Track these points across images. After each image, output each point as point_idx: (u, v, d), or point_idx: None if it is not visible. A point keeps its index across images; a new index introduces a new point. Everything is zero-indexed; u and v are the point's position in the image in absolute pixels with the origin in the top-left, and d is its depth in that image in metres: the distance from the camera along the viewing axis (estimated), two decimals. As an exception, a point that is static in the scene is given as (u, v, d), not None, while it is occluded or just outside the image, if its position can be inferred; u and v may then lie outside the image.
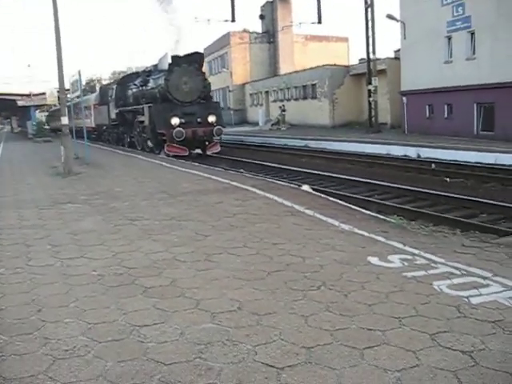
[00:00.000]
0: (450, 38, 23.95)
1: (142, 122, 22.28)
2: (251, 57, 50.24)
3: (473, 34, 22.54)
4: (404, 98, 26.37)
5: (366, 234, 6.76)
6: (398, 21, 26.31)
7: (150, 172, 14.31)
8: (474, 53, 22.60)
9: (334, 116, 35.33)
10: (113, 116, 27.09)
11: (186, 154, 19.98)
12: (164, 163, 16.49)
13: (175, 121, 19.76)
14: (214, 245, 6.20)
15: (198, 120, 20.62)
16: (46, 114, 65.34)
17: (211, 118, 20.76)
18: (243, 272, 5.17)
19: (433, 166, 16.32)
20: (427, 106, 25.46)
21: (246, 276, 5.04)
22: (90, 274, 5.13)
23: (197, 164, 16.58)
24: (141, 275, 5.07)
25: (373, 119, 28.62)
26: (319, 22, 26.71)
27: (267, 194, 9.70)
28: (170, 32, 23.16)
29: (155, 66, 25.00)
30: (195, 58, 21.30)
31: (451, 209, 10.13)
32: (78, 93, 17.44)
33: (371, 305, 4.26)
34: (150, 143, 22.16)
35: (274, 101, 44.37)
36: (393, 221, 8.04)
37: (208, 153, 21.24)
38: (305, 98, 39.12)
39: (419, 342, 3.57)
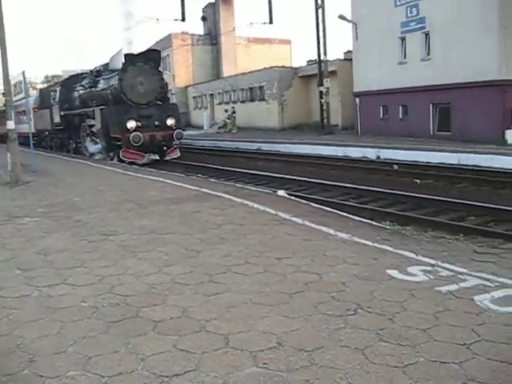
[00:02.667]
0: (403, 39, 23.93)
1: (92, 125, 20.49)
2: (194, 59, 49.25)
3: (427, 34, 22.58)
4: (357, 99, 26.23)
5: (369, 243, 6.29)
6: (349, 21, 26.16)
7: (106, 179, 13.30)
8: (428, 54, 22.64)
9: (283, 118, 34.92)
10: (56, 120, 25.02)
11: (144, 160, 18.68)
12: (118, 169, 15.47)
13: (131, 124, 18.20)
14: (211, 262, 5.46)
15: (156, 123, 19.06)
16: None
17: (170, 121, 19.25)
18: (260, 295, 4.47)
19: (395, 167, 16.05)
20: (381, 107, 25.37)
21: (266, 300, 4.34)
22: (80, 306, 4.27)
23: (153, 170, 15.65)
24: (142, 305, 4.26)
25: (325, 121, 28.31)
26: (270, 22, 26.20)
27: (245, 201, 9.01)
28: (122, 31, 21.45)
29: (105, 65, 22.92)
30: (151, 56, 19.80)
31: (437, 212, 9.76)
32: (21, 95, 16.08)
33: (426, 329, 3.74)
34: (94, 148, 20.69)
35: (219, 103, 43.62)
36: (387, 227, 7.62)
37: (167, 158, 19.82)
38: (252, 100, 38.56)
39: (504, 374, 3.07)
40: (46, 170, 15.73)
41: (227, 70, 48.12)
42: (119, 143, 18.61)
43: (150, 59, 19.50)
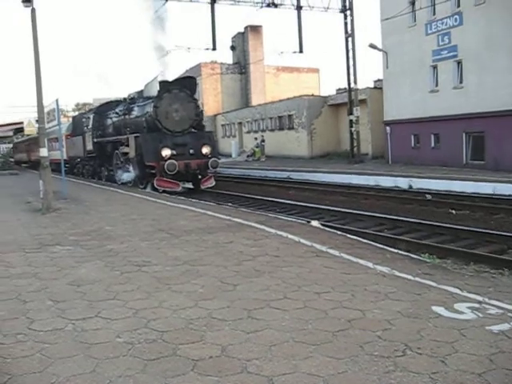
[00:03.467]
0: (435, 67, 23.72)
1: (126, 153, 20.16)
2: (222, 88, 49.77)
3: (459, 63, 22.34)
4: (387, 128, 25.97)
5: (410, 277, 6.04)
6: (380, 50, 26.09)
7: (137, 207, 13.24)
8: (461, 82, 22.37)
9: (312, 147, 34.81)
10: (89, 147, 24.94)
11: (179, 188, 18.14)
12: (148, 197, 15.44)
13: (166, 152, 17.81)
14: (249, 296, 5.26)
15: (191, 151, 18.61)
16: (10, 146, 63.06)
17: (205, 150, 18.77)
18: (302, 333, 4.25)
19: (428, 196, 15.74)
20: (412, 136, 25.07)
21: (309, 339, 4.12)
22: (116, 342, 4.09)
23: (183, 198, 15.55)
24: (180, 342, 4.07)
25: (355, 149, 28.08)
26: (300, 51, 26.22)
27: (279, 232, 8.82)
28: (157, 60, 21.19)
29: (140, 92, 23.03)
30: (187, 84, 19.31)
31: (476, 244, 9.43)
32: (54, 122, 16.25)
33: (481, 374, 3.49)
34: (127, 175, 20.44)
35: (248, 132, 43.77)
36: (427, 260, 7.38)
37: (202, 187, 19.16)
38: (281, 128, 38.57)
39: None
40: (76, 197, 15.79)
41: (256, 98, 48.42)
42: (153, 171, 18.27)
43: (186, 86, 19.10)
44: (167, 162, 17.44)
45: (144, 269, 6.50)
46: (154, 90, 19.50)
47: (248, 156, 38.64)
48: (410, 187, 18.45)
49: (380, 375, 3.46)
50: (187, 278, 6.01)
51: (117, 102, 24.24)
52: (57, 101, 15.63)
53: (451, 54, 22.61)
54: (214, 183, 19.46)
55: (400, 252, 7.65)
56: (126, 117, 21.38)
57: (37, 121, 15.64)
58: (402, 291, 5.42)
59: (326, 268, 6.43)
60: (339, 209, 13.90)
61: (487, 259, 7.90)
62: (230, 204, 15.12)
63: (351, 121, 27.81)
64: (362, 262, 6.76)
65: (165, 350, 3.90)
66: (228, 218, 10.55)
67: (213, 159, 18.73)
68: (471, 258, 7.95)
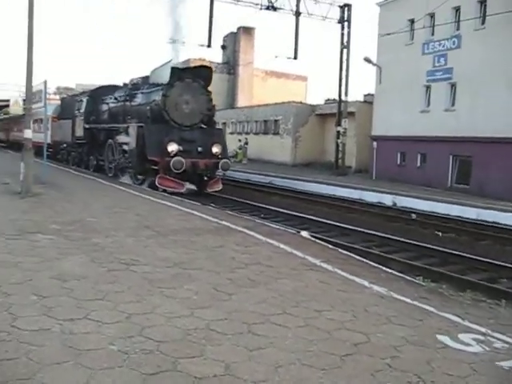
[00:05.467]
0: (428, 87, 23.75)
1: (124, 143, 18.16)
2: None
3: (453, 85, 22.38)
4: (374, 143, 25.93)
5: (408, 300, 5.93)
6: (374, 65, 26.04)
7: (120, 200, 12.86)
8: (453, 104, 22.42)
9: (296, 154, 34.64)
10: (79, 133, 22.64)
11: (183, 190, 16.17)
12: (131, 190, 15.02)
13: (173, 147, 15.84)
14: (246, 308, 4.99)
15: (199, 149, 16.62)
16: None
17: (216, 149, 16.83)
18: (308, 355, 4.00)
19: (413, 216, 15.67)
20: (399, 154, 25.07)
21: (316, 362, 3.87)
22: (109, 350, 3.76)
23: (165, 194, 15.13)
24: (179, 355, 3.76)
25: (339, 161, 27.97)
26: (295, 57, 26.03)
27: (269, 240, 8.58)
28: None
29: (144, 78, 20.53)
30: (202, 73, 17.30)
31: (466, 269, 9.35)
32: (40, 104, 15.66)
33: None
34: (121, 168, 18.55)
35: (232, 133, 43.42)
36: (422, 283, 7.22)
37: (208, 191, 17.28)
38: (266, 133, 38.35)
39: None
40: (56, 183, 15.28)
41: (242, 100, 48.17)
42: (155, 167, 16.30)
43: (200, 76, 17.20)
44: (174, 159, 15.54)
45: (133, 268, 6.17)
46: (164, 76, 17.57)
47: (230, 157, 38.25)
48: (395, 204, 18.38)
49: (398, 411, 3.23)
50: (179, 282, 5.70)
51: (115, 87, 22.13)
52: (45, 82, 15.15)
53: (446, 75, 22.65)
54: (221, 187, 17.78)
55: (394, 273, 7.49)
56: (127, 103, 19.40)
57: (23, 101, 15.11)
58: (403, 315, 5.25)
59: (322, 283, 6.22)
60: (325, 220, 13.69)
61: (482, 287, 7.75)
62: (212, 205, 14.75)
63: (338, 132, 27.71)
64: (357, 279, 6.58)
65: (163, 364, 3.59)
66: (215, 220, 10.25)
67: (224, 160, 17.03)
68: (465, 285, 7.79)
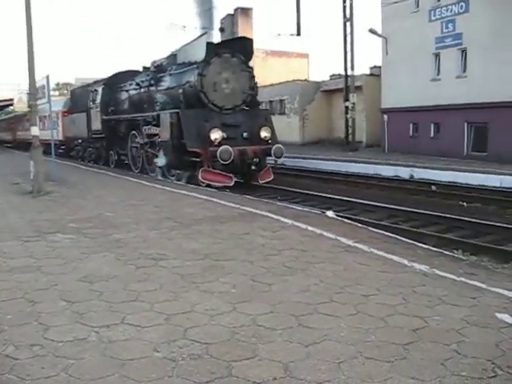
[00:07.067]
0: (437, 55, 23.10)
1: (154, 135, 16.01)
2: (210, 70, 48.71)
3: (464, 51, 21.74)
4: (385, 116, 25.34)
5: (454, 277, 5.55)
6: (379, 36, 25.42)
7: (135, 192, 12.51)
8: (464, 71, 21.78)
9: (304, 133, 34.10)
10: (96, 126, 20.56)
11: (232, 183, 14.19)
12: (144, 182, 14.65)
13: (216, 135, 13.81)
14: (289, 299, 4.65)
15: (244, 135, 14.70)
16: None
17: (264, 133, 14.74)
18: (369, 347, 3.67)
19: (433, 187, 15.24)
20: (411, 125, 24.49)
21: (380, 354, 3.55)
22: (155, 358, 3.43)
23: (180, 183, 14.76)
24: (231, 358, 3.43)
25: (350, 137, 27.48)
26: (298, 33, 25.47)
27: (296, 223, 8.21)
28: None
29: (169, 57, 17.68)
30: (241, 46, 15.16)
31: (501, 240, 8.98)
32: (43, 100, 15.24)
33: None
34: (157, 164, 16.00)
35: (236, 116, 42.93)
36: (463, 257, 6.87)
37: (260, 182, 15.27)
38: (271, 113, 37.70)
39: None
40: (67, 179, 14.96)
41: (244, 82, 47.51)
42: (198, 159, 14.33)
43: (239, 50, 15.05)
44: (221, 149, 13.48)
45: (161, 263, 5.83)
46: (196, 54, 15.35)
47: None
48: (412, 177, 17.93)
49: (483, 405, 2.89)
50: (213, 275, 5.36)
51: (134, 72, 19.93)
52: (47, 77, 14.75)
53: (455, 41, 21.94)
54: (272, 177, 15.80)
55: (431, 248, 7.13)
56: (152, 88, 17.08)
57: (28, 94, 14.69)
58: (454, 294, 4.92)
59: (361, 265, 5.87)
60: (345, 198, 13.31)
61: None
62: (227, 190, 14.31)
63: (347, 107, 27.19)
64: (395, 258, 6.23)
65: (217, 369, 3.26)
66: (237, 206, 9.89)
67: (277, 146, 14.94)
68: (508, 257, 7.43)
